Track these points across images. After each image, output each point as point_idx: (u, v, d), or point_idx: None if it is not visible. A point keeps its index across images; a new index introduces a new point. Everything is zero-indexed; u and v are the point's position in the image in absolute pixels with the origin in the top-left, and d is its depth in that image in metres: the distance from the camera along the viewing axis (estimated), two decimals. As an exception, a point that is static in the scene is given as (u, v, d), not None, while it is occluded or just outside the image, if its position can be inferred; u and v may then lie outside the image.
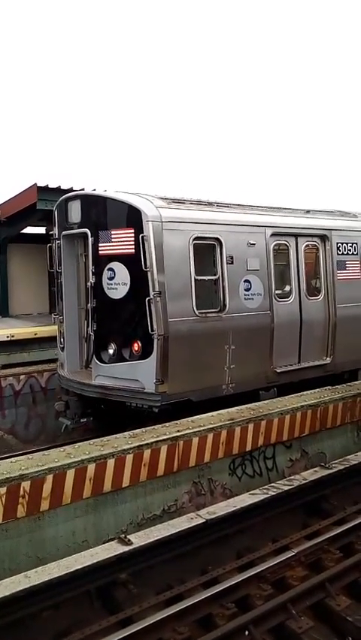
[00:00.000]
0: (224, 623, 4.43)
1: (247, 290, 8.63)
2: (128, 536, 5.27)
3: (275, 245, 9.25)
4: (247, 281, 8.63)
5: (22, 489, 5.04)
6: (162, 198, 8.20)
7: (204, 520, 5.62)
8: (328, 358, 10.01)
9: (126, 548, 5.08)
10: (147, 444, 5.95)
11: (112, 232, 7.94)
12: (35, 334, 12.91)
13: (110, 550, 5.07)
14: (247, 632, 4.36)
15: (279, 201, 10.80)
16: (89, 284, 8.18)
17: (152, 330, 7.41)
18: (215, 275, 8.32)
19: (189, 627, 4.41)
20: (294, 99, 59.30)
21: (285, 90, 59.72)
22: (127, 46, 56.02)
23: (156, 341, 7.44)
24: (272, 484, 6.60)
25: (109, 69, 54.38)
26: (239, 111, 57.49)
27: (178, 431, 6.32)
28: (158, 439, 6.06)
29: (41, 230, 17.04)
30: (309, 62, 59.36)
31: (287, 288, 9.67)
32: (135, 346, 7.76)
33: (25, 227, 16.34)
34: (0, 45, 48.60)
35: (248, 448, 6.91)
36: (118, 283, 7.88)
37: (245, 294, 8.60)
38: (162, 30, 55.44)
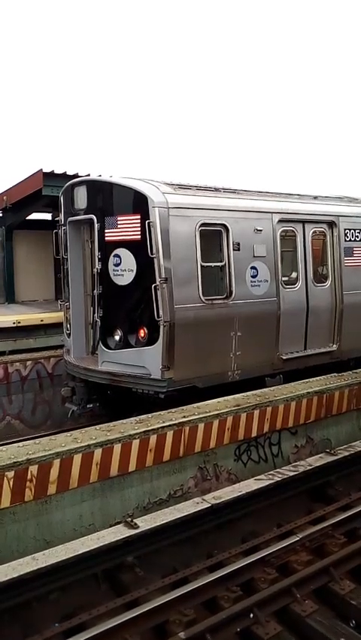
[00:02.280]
0: (229, 605, 4.48)
1: (254, 276, 8.60)
2: (134, 520, 5.32)
3: (282, 231, 9.18)
4: (253, 267, 8.59)
5: (29, 473, 5.09)
6: (168, 184, 8.14)
7: (210, 505, 5.66)
8: (334, 345, 9.99)
9: (133, 532, 5.13)
10: (153, 429, 5.98)
11: (118, 218, 7.90)
12: (41, 320, 12.94)
13: (117, 533, 5.11)
14: (251, 615, 4.41)
15: (286, 187, 10.71)
16: (95, 270, 8.17)
17: (158, 317, 7.41)
18: (221, 261, 8.28)
19: (194, 609, 4.45)
20: (302, 85, 58.50)
21: (292, 76, 58.87)
22: (131, 33, 55.30)
23: (162, 327, 7.44)
24: (277, 470, 6.63)
25: (114, 56, 53.79)
26: (247, 96, 56.79)
27: (184, 417, 6.34)
28: (164, 424, 6.09)
29: (47, 216, 17.02)
30: (314, 48, 58.36)
31: (294, 274, 9.62)
32: (141, 332, 7.77)
33: (31, 213, 16.29)
34: (5, 34, 48.05)
35: (254, 434, 6.94)
36: (124, 269, 7.86)
37: (252, 281, 8.57)
38: (167, 19, 54.60)
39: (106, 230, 7.99)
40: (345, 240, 10.10)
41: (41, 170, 13.60)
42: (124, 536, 5.07)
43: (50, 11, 51.62)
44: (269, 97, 57.36)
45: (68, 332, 9.19)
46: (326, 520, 5.81)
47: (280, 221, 9.06)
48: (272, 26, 56.69)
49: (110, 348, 8.09)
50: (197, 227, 7.85)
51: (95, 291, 8.20)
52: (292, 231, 9.44)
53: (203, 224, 7.95)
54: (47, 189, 13.43)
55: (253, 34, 57.93)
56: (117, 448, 5.67)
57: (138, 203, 7.63)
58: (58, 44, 53.37)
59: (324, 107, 55.62)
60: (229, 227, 8.25)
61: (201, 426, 6.37)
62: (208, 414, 6.51)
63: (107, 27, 52.12)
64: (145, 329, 7.72)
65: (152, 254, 7.40)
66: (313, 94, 57.54)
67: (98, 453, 5.53)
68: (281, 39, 59.17)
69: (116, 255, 7.91)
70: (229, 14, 56.21)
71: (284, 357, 9.16)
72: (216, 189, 9.07)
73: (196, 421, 6.35)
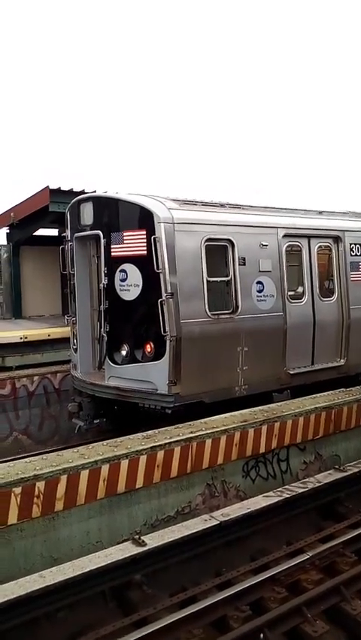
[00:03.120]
0: (238, 625, 4.41)
1: (260, 291, 8.61)
2: (142, 537, 5.27)
3: (288, 246, 9.21)
4: (259, 282, 8.60)
5: (36, 489, 5.06)
6: (173, 200, 8.21)
7: (218, 522, 5.60)
8: (342, 360, 9.94)
9: (140, 549, 5.08)
10: (161, 445, 5.95)
11: (124, 234, 7.96)
12: (48, 335, 12.97)
13: (125, 551, 5.06)
14: (261, 635, 4.34)
15: (291, 202, 10.78)
16: (101, 285, 8.21)
17: (164, 332, 7.41)
18: (227, 276, 8.31)
19: (203, 629, 4.39)
20: (306, 100, 59.08)
21: (296, 90, 59.50)
22: (133, 45, 56.25)
23: (168, 342, 7.44)
24: (286, 487, 6.56)
25: (115, 71, 54.72)
26: (252, 109, 57.41)
27: (191, 432, 6.31)
28: (171, 440, 6.06)
29: (54, 232, 17.17)
30: (318, 58, 59.08)
31: (300, 289, 9.62)
32: (148, 347, 7.78)
33: (38, 229, 16.46)
34: (10, 49, 49.00)
35: (262, 450, 6.89)
36: (130, 284, 7.90)
37: (258, 296, 8.57)
38: (166, 28, 55.52)
39: (112, 246, 8.04)
40: (351, 255, 10.12)
41: (48, 186, 13.77)
42: (132, 554, 5.03)
43: (49, 25, 52.62)
44: (274, 110, 57.96)
45: (74, 347, 9.21)
46: (336, 538, 5.74)
47: (285, 235, 9.10)
48: (277, 38, 57.49)
49: (116, 363, 8.09)
50: (203, 242, 7.89)
51: (102, 306, 8.23)
52: (298, 246, 9.47)
53: (208, 240, 7.99)
54: (54, 205, 13.58)
55: (257, 46, 58.76)
56: (124, 463, 5.65)
57: (144, 218, 7.69)
58: (62, 60, 54.44)
59: (330, 122, 56.17)
60: (235, 242, 8.29)
61: (208, 442, 6.33)
62: (216, 429, 6.47)
63: (111, 40, 53.11)
64: (152, 344, 7.72)
65: (158, 269, 7.44)
66: (318, 108, 58.15)
67: (105, 469, 5.51)
68: (284, 49, 59.96)
69: (123, 271, 7.96)
70: (233, 26, 57.05)
71: (291, 372, 9.13)
72: (222, 205, 9.14)
73: (204, 436, 6.31)
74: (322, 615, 4.73)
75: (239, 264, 8.34)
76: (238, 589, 4.80)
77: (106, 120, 52.79)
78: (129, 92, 55.29)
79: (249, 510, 5.90)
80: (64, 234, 9.46)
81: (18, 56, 50.83)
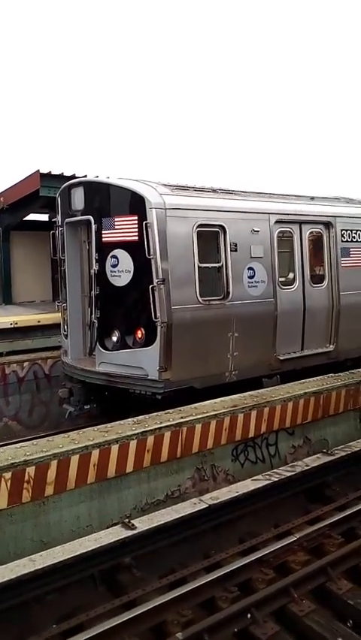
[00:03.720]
0: (227, 606, 4.48)
1: (251, 277, 8.61)
2: (132, 521, 5.32)
3: (279, 232, 9.21)
4: (250, 268, 8.61)
5: (27, 474, 5.08)
6: (165, 185, 8.15)
7: (207, 506, 5.66)
8: (331, 346, 10.01)
9: (130, 533, 5.13)
10: (151, 430, 5.98)
11: (115, 219, 7.91)
12: (38, 322, 12.92)
13: (115, 534, 5.11)
14: (249, 615, 4.42)
15: (283, 188, 10.74)
16: (92, 271, 8.18)
17: (155, 318, 7.41)
18: (219, 262, 8.30)
19: (192, 610, 4.46)
20: (298, 86, 58.60)
21: (288, 77, 58.97)
22: (129, 32, 55.31)
23: (159, 328, 7.44)
24: (275, 470, 6.64)
25: (112, 57, 53.80)
26: (243, 98, 56.88)
27: (181, 418, 6.35)
28: (161, 425, 6.10)
29: (44, 217, 17.01)
30: (312, 49, 58.53)
31: (291, 275, 9.63)
32: (139, 333, 7.78)
33: (28, 214, 16.28)
34: (4, 34, 48.02)
35: (251, 434, 6.95)
36: (121, 270, 7.87)
37: (249, 282, 8.58)
38: (166, 20, 54.67)
39: (103, 232, 7.99)
40: (342, 241, 10.13)
41: (38, 170, 13.60)
42: (121, 537, 5.08)
43: (49, 12, 51.61)
44: (266, 98, 57.46)
45: (65, 333, 9.19)
46: (324, 520, 5.82)
47: (277, 222, 9.09)
48: (269, 29, 56.83)
49: (107, 349, 8.09)
50: (194, 228, 7.86)
51: (93, 292, 8.20)
52: (289, 232, 9.46)
53: (200, 225, 7.96)
54: (44, 190, 13.43)
55: (250, 36, 58.05)
56: (115, 448, 5.68)
57: (136, 204, 7.64)
58: (56, 45, 53.41)
59: (320, 108, 55.79)
60: (227, 228, 8.27)
61: (198, 427, 6.38)
62: (206, 414, 6.52)
63: (105, 28, 52.19)
64: (142, 330, 7.72)
65: (149, 255, 7.41)
66: (310, 95, 57.73)
67: (95, 454, 5.53)
68: (277, 41, 59.33)
69: (114, 256, 7.92)
70: (229, 19, 56.29)
71: (281, 358, 9.18)
72: (214, 190, 9.09)
73: (194, 421, 6.36)
74: (309, 595, 4.81)
75: (231, 250, 8.32)
76: (227, 570, 4.87)
77: (100, 105, 52.05)
78: (124, 77, 54.52)
79: (238, 493, 5.97)
80: (54, 219, 9.37)
81: (11, 42, 49.79)
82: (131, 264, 7.76)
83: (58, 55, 54.21)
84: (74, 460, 5.39)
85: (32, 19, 50.84)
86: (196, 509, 5.61)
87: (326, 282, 9.91)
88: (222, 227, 8.26)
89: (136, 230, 7.59)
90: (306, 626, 4.43)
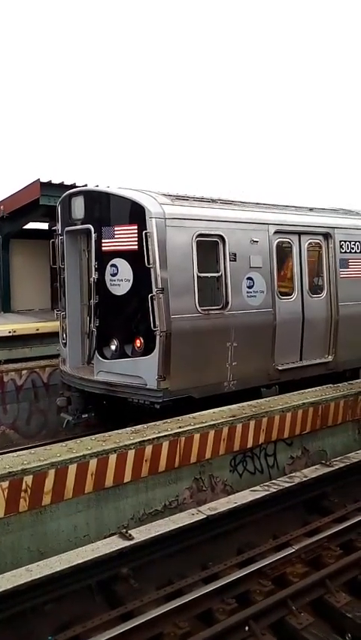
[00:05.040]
0: (224, 618, 4.45)
1: (250, 287, 8.64)
2: (129, 531, 5.29)
3: (278, 242, 9.25)
4: (249, 278, 8.64)
5: (24, 483, 5.06)
6: (165, 195, 8.19)
7: (205, 516, 5.64)
8: (330, 356, 10.02)
9: (127, 543, 5.11)
10: (149, 440, 5.97)
11: (115, 228, 7.94)
12: (37, 330, 12.91)
13: (112, 544, 5.09)
14: (247, 628, 4.39)
15: (282, 199, 10.80)
16: (91, 280, 8.19)
17: (154, 327, 7.42)
18: (218, 272, 8.33)
19: (189, 622, 4.42)
20: (298, 96, 59.16)
21: (288, 86, 59.56)
22: (129, 41, 55.90)
23: (158, 337, 7.45)
24: (273, 481, 6.62)
25: (111, 65, 54.32)
26: (242, 108, 57.35)
27: (180, 427, 6.33)
28: (159, 434, 6.08)
29: (44, 225, 17.07)
30: (313, 58, 59.13)
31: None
32: (138, 342, 7.78)
33: (28, 222, 16.35)
34: (3, 41, 48.48)
35: (249, 445, 6.93)
36: (121, 279, 7.88)
37: (248, 292, 8.61)
38: (165, 24, 55.25)
39: (103, 240, 8.02)
40: (340, 252, 10.18)
41: (39, 179, 13.67)
42: (119, 547, 5.05)
43: (51, 22, 52.13)
44: (266, 108, 57.93)
45: (64, 341, 9.18)
46: (322, 532, 5.80)
47: (276, 232, 9.14)
48: (271, 35, 57.44)
49: (106, 358, 8.09)
50: (194, 237, 7.89)
51: (92, 300, 8.20)
52: (288, 243, 9.51)
53: (200, 235, 8.00)
54: (45, 199, 13.49)
55: (252, 43, 58.68)
56: (112, 458, 5.66)
57: (135, 213, 7.68)
58: (56, 52, 53.90)
59: (320, 119, 56.27)
60: (226, 238, 8.31)
61: (196, 436, 6.37)
62: (204, 424, 6.51)
63: (106, 35, 52.69)
64: (141, 339, 7.72)
65: (149, 264, 7.43)
66: (310, 106, 58.24)
67: (93, 463, 5.52)
68: (278, 48, 59.95)
69: (113, 265, 7.94)
70: (231, 31, 56.93)
71: (280, 368, 9.18)
72: (213, 200, 9.14)
73: (192, 431, 6.34)
74: (307, 607, 4.78)
75: (230, 260, 8.36)
76: (224, 582, 4.84)
77: (100, 114, 52.45)
78: (124, 87, 54.98)
79: (236, 504, 5.95)
80: (54, 228, 9.40)
81: (12, 51, 50.30)
82: (131, 273, 7.78)
83: (59, 64, 54.71)
84: (72, 469, 5.37)
85: (34, 28, 51.36)
86: (194, 520, 5.59)
87: (324, 293, 9.95)
88: (222, 237, 8.30)
89: (136, 239, 7.62)
90: (304, 639, 4.39)
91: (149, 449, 5.94)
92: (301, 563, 5.33)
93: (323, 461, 7.28)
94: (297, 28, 57.43)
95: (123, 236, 7.84)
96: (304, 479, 6.71)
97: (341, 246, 10.19)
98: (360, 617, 4.58)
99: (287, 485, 6.49)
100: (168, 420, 6.68)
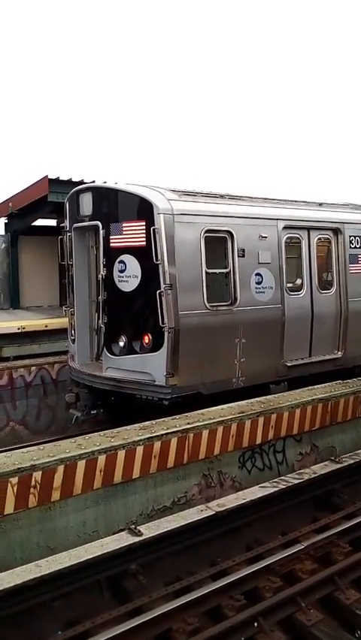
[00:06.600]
0: (233, 614, 4.44)
1: (259, 283, 8.59)
2: (138, 527, 5.30)
3: (287, 238, 9.19)
4: (258, 274, 8.59)
5: (33, 479, 5.08)
6: (173, 191, 8.16)
7: (214, 512, 5.64)
8: (339, 352, 9.95)
9: (136, 539, 5.11)
10: (158, 436, 5.96)
11: (123, 224, 7.92)
12: (46, 326, 12.96)
13: (121, 540, 5.10)
14: (255, 624, 4.38)
15: (291, 194, 10.73)
16: (100, 276, 8.19)
17: (162, 323, 7.40)
18: (226, 268, 8.29)
19: (198, 618, 4.42)
20: (305, 90, 58.68)
21: (296, 83, 59.12)
22: (132, 39, 55.73)
23: (166, 334, 7.43)
24: (282, 478, 6.60)
25: (119, 64, 54.21)
26: (250, 103, 57.00)
27: (188, 424, 6.32)
28: (168, 431, 6.08)
29: (52, 222, 17.09)
30: (317, 53, 58.64)
31: (299, 281, 9.61)
32: (146, 339, 7.77)
33: (37, 219, 16.36)
34: (11, 41, 48.56)
35: (258, 441, 6.91)
36: (129, 276, 7.87)
37: (256, 287, 8.56)
38: (167, 23, 55.03)
39: (111, 237, 8.01)
40: (350, 247, 10.10)
41: (47, 176, 13.68)
42: (127, 543, 5.06)
43: (56, 22, 52.10)
44: (274, 103, 57.55)
45: (72, 338, 9.20)
46: (331, 529, 5.78)
47: (285, 227, 9.07)
48: (275, 33, 57.03)
49: (114, 355, 8.09)
50: (202, 233, 7.86)
51: (100, 297, 8.21)
52: (297, 238, 9.44)
53: (208, 231, 7.96)
54: (53, 195, 13.50)
55: (255, 40, 58.28)
56: (121, 454, 5.66)
57: (143, 209, 7.65)
58: (62, 50, 53.87)
59: (329, 114, 55.80)
60: (234, 234, 8.26)
61: (205, 433, 6.35)
62: (212, 420, 6.49)
63: (110, 34, 52.56)
64: (150, 335, 7.72)
65: (157, 260, 7.41)
66: (318, 101, 57.73)
67: (101, 459, 5.52)
68: (283, 45, 59.51)
69: (121, 262, 7.93)
70: (232, 24, 56.55)
71: (289, 364, 9.13)
72: (221, 196, 9.09)
73: (200, 427, 6.33)
74: (316, 604, 4.76)
75: (238, 256, 8.31)
76: (233, 578, 4.84)
77: (107, 111, 52.38)
78: (130, 83, 54.88)
79: (245, 500, 5.94)
80: (62, 225, 9.41)
81: (17, 47, 50.33)
82: (139, 269, 7.77)
83: (66, 62, 54.72)
84: (81, 465, 5.38)
85: (38, 28, 51.36)
86: (203, 516, 5.58)
87: (334, 289, 9.88)
88: (230, 233, 8.25)
89: (144, 235, 7.60)
90: (313, 635, 4.38)
91: (157, 445, 5.93)
92: (310, 559, 5.31)
93: (333, 458, 7.24)
94: (301, 20, 56.90)
95: (131, 233, 7.82)
96: (313, 476, 6.68)
97: (350, 242, 10.10)
98: (370, 614, 4.56)
99: (296, 482, 6.47)
100: (177, 416, 6.67)
